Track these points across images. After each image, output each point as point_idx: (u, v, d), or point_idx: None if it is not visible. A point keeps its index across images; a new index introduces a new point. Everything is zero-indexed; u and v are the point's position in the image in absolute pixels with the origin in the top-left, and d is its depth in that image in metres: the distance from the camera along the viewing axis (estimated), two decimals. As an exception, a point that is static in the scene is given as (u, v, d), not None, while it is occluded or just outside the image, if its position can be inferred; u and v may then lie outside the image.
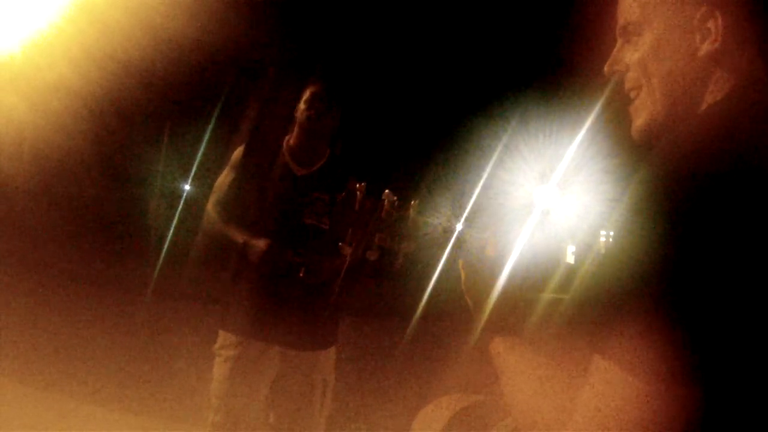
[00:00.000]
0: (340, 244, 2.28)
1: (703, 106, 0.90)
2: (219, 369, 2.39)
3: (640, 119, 0.97)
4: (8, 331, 4.63)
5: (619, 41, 1.00)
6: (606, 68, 1.02)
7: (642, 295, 0.70)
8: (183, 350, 4.79)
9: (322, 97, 2.40)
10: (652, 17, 0.94)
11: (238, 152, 2.52)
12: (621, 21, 0.99)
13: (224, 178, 2.51)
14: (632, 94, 0.99)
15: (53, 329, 5.25)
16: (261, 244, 2.31)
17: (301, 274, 2.29)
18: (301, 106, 2.42)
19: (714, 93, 0.89)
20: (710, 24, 0.88)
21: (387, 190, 1.22)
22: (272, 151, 2.48)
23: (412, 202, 1.19)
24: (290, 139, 2.48)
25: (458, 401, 1.27)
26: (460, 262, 1.15)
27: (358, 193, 1.99)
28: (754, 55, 0.89)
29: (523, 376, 0.96)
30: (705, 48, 0.89)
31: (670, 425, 0.68)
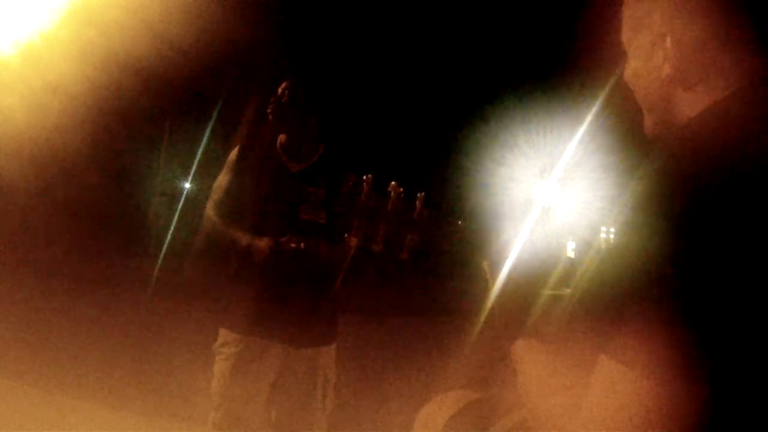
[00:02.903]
0: (345, 235, 2.27)
1: (684, 118, 0.92)
2: (220, 367, 2.39)
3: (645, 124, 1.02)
4: (8, 331, 4.64)
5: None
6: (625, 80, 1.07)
7: (646, 292, 0.70)
8: (183, 348, 4.79)
9: (288, 89, 2.42)
10: (631, 39, 0.99)
11: (233, 153, 2.53)
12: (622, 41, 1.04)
13: (221, 178, 2.51)
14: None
15: (53, 328, 5.26)
16: (264, 244, 2.31)
17: (289, 248, 2.27)
18: (272, 103, 2.44)
19: (688, 108, 0.92)
20: (667, 45, 0.91)
21: (393, 182, 1.22)
22: (267, 150, 2.49)
23: (419, 194, 1.18)
24: (283, 136, 2.49)
25: (460, 398, 1.27)
26: (485, 262, 1.14)
27: (364, 185, 1.98)
28: (722, 69, 0.90)
29: (532, 374, 0.96)
30: (666, 69, 0.92)
31: (676, 423, 0.68)
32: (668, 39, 0.91)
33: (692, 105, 0.91)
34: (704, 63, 0.90)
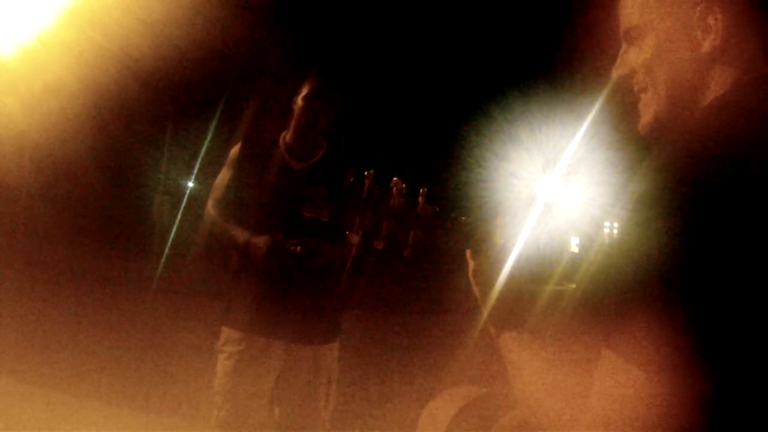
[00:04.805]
0: (347, 233, 2.26)
1: (706, 102, 0.89)
2: (223, 365, 2.39)
3: (645, 117, 0.97)
4: (11, 330, 4.65)
5: (624, 44, 1.00)
6: (614, 72, 1.02)
7: (650, 289, 0.69)
8: (186, 347, 4.81)
9: (320, 93, 2.39)
10: (652, 19, 0.93)
11: (235, 150, 2.51)
12: (623, 25, 0.98)
13: (222, 176, 2.50)
14: (641, 95, 0.98)
15: (55, 327, 5.27)
16: (263, 241, 2.30)
17: (297, 250, 2.27)
18: (299, 102, 2.40)
19: (718, 87, 0.88)
20: (710, 20, 0.87)
21: (395, 177, 1.21)
22: (269, 147, 2.48)
23: (421, 190, 1.17)
24: (286, 135, 2.48)
25: (465, 394, 1.26)
26: (468, 251, 1.14)
27: (366, 180, 1.98)
28: (757, 48, 0.87)
29: (533, 370, 0.95)
30: (707, 44, 0.88)
31: (680, 420, 0.68)
32: (716, 11, 0.86)
33: (723, 82, 0.88)
34: (748, 38, 0.87)
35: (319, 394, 2.42)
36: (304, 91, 2.40)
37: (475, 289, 1.12)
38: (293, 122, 2.44)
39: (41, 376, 3.99)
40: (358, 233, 2.25)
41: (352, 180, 2.38)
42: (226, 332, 2.42)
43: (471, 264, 1.13)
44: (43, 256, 8.87)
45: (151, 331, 5.69)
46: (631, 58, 0.98)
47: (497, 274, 1.08)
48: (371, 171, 2.00)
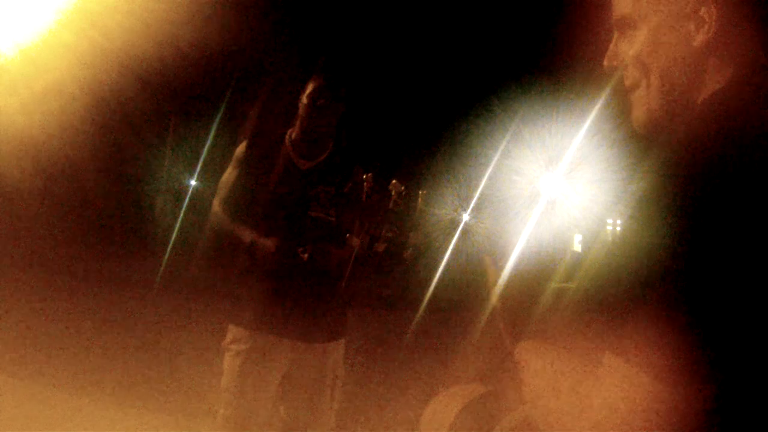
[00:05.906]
0: (347, 235, 2.26)
1: (703, 96, 0.87)
2: (230, 363, 2.39)
3: (637, 111, 0.95)
4: (14, 330, 4.65)
5: (615, 35, 0.98)
6: (605, 63, 1.00)
7: (653, 290, 0.68)
8: (191, 345, 4.81)
9: (325, 90, 2.38)
10: (645, 10, 0.91)
11: (240, 148, 2.51)
12: (615, 14, 0.96)
13: (228, 175, 2.50)
14: (634, 90, 0.96)
15: (58, 326, 5.27)
16: (269, 243, 2.30)
17: (305, 258, 2.27)
18: (304, 100, 2.40)
19: (714, 82, 0.87)
20: (703, 12, 0.85)
21: (394, 180, 1.20)
22: (275, 146, 2.47)
23: (421, 192, 1.16)
24: (293, 133, 2.47)
25: (468, 392, 1.26)
26: (486, 257, 1.12)
27: (364, 183, 1.97)
28: (753, 40, 0.86)
29: (540, 373, 0.94)
30: (700, 37, 0.86)
31: (682, 424, 0.67)
32: (709, 3, 0.84)
33: (721, 75, 0.86)
34: (743, 31, 0.85)
35: (324, 391, 2.42)
36: (309, 89, 2.39)
37: (494, 297, 1.09)
38: (299, 121, 2.43)
39: (41, 376, 3.99)
40: (358, 236, 2.26)
41: (354, 181, 2.38)
42: (232, 330, 2.42)
43: (491, 272, 1.10)
44: (44, 255, 8.88)
45: (155, 330, 5.70)
46: (623, 48, 0.96)
47: (517, 277, 1.06)
48: (369, 174, 2.00)
